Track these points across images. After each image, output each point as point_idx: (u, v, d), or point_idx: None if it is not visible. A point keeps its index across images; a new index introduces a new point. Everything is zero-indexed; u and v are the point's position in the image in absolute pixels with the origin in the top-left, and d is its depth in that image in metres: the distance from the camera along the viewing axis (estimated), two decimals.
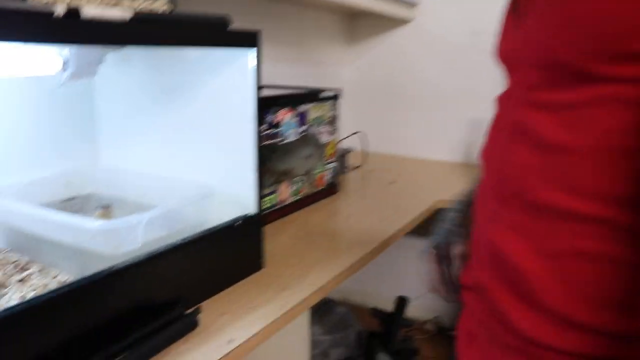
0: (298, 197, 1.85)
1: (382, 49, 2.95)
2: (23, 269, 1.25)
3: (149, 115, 1.43)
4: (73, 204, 1.46)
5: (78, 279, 0.94)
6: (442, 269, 1.05)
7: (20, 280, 1.19)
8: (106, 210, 1.18)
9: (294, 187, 1.83)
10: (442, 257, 1.05)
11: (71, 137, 1.50)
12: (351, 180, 2.25)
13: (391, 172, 2.42)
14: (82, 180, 1.50)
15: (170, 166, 1.41)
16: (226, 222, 1.15)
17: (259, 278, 1.33)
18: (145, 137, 1.46)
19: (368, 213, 1.88)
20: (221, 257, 1.16)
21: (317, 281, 1.23)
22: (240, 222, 1.17)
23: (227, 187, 1.24)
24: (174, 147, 1.42)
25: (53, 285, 1.17)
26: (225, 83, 1.30)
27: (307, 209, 1.90)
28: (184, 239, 1.05)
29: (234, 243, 1.18)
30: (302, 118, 1.85)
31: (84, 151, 1.54)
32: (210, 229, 1.11)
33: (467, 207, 1.10)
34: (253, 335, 1.04)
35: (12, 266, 1.25)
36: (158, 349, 0.97)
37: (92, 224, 1.06)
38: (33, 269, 1.25)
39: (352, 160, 2.41)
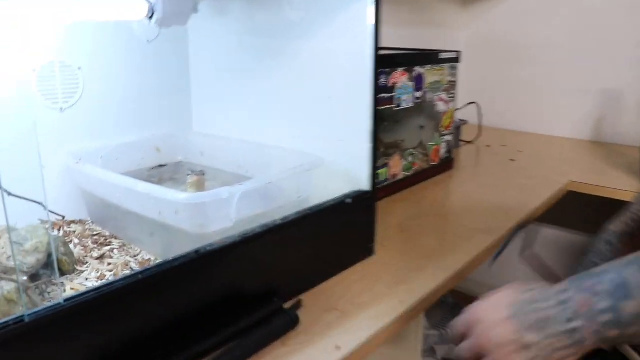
0: (410, 173, 1.62)
1: (503, 10, 2.62)
2: (103, 245, 1.10)
3: (247, 76, 1.25)
4: (162, 172, 1.31)
5: (158, 263, 0.77)
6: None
7: (99, 258, 1.04)
8: (199, 177, 1.01)
9: (407, 161, 1.60)
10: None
11: (163, 97, 1.34)
12: (465, 155, 2.00)
13: (509, 148, 2.14)
14: (173, 146, 1.35)
15: (270, 134, 1.22)
16: (334, 200, 0.95)
17: (368, 267, 1.12)
18: (242, 100, 1.28)
19: (489, 193, 1.62)
20: (326, 240, 0.97)
21: (438, 275, 1.04)
22: (350, 199, 0.95)
23: (334, 159, 1.06)
24: (274, 112, 1.23)
25: (133, 265, 1.01)
26: (337, 38, 1.08)
27: (419, 186, 1.66)
28: (285, 218, 0.86)
29: (341, 224, 0.99)
30: (418, 82, 1.61)
31: (175, 114, 1.39)
32: (315, 207, 0.92)
33: None
34: (365, 342, 0.84)
35: (91, 240, 1.12)
36: (253, 351, 0.78)
37: (176, 195, 0.88)
38: (113, 244, 1.10)
39: (464, 134, 2.14)
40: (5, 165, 0.64)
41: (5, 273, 0.88)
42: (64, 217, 1.20)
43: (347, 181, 1.13)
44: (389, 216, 1.41)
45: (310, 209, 0.99)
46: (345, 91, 1.10)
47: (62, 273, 0.98)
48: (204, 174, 1.01)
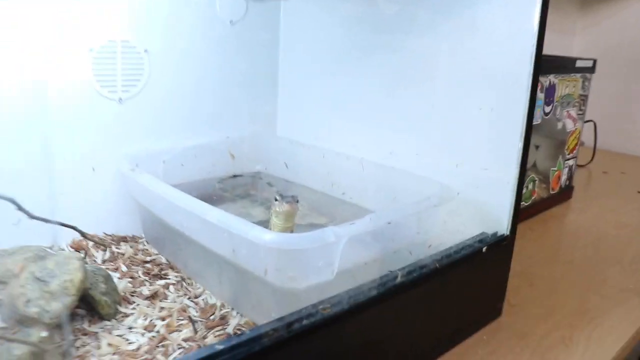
0: (528, 203, 1.31)
1: (627, 14, 2.25)
2: (156, 276, 0.86)
3: (351, 74, 1.01)
4: (236, 185, 1.06)
5: (226, 345, 0.51)
6: None
7: (150, 297, 0.80)
8: (291, 207, 0.73)
9: (526, 189, 1.30)
10: None
11: (243, 93, 1.10)
12: (580, 182, 1.67)
13: (631, 176, 1.83)
14: (251, 153, 1.10)
15: (376, 148, 0.96)
16: (465, 245, 0.71)
17: (497, 334, 0.86)
18: (341, 103, 1.03)
19: (624, 236, 1.31)
20: (449, 300, 0.80)
21: (594, 354, 0.81)
22: (485, 246, 0.67)
23: (462, 187, 0.86)
24: (384, 122, 0.97)
25: (193, 311, 0.77)
26: (482, 35, 0.81)
27: (536, 219, 1.36)
28: (408, 273, 0.59)
29: (470, 278, 0.82)
30: (549, 94, 1.31)
31: (257, 115, 1.14)
32: (443, 256, 0.65)
33: None
34: None
35: (142, 270, 0.87)
36: None
37: (261, 235, 0.62)
38: (169, 278, 0.86)
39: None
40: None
41: (22, 323, 0.64)
42: (108, 238, 0.97)
43: (475, 218, 0.85)
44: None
45: (438, 258, 0.71)
46: (486, 101, 0.82)
47: (100, 317, 0.73)
48: (297, 201, 0.75)
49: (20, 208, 0.74)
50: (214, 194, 1.03)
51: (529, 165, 1.37)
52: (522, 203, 1.27)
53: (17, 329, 0.63)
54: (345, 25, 1.03)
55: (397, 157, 0.95)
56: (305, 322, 0.56)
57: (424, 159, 0.92)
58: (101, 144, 0.95)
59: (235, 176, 1.09)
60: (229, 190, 1.05)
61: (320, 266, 0.65)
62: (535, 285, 1.03)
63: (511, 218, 0.83)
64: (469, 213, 0.87)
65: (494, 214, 0.84)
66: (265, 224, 0.89)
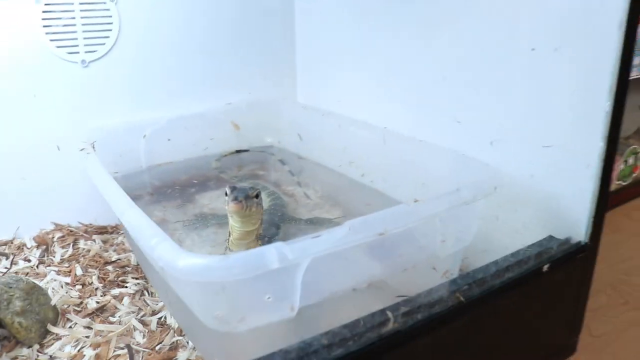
0: (627, 182, 1.02)
1: None
2: (113, 283, 0.68)
3: (376, 27, 0.75)
4: (242, 163, 0.87)
5: None
6: None
7: (94, 312, 0.63)
8: (238, 205, 0.51)
9: (625, 164, 1.00)
10: None
11: (249, 46, 0.89)
12: None
13: None
14: (259, 124, 0.90)
15: (406, 119, 0.72)
16: (523, 256, 0.44)
17: None
18: (365, 62, 0.78)
19: None
20: (495, 335, 0.55)
21: None
22: (553, 260, 0.43)
23: (517, 171, 0.62)
24: (416, 87, 0.72)
25: (138, 336, 0.58)
26: None
27: (634, 203, 1.05)
28: (411, 308, 0.43)
29: (530, 303, 0.57)
30: None
31: (267, 75, 0.92)
32: (487, 281, 0.42)
33: None
34: None
35: (100, 274, 0.70)
36: None
37: (169, 257, 0.41)
38: (128, 285, 0.68)
39: None
40: None
41: None
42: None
43: (537, 216, 0.60)
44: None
45: (479, 283, 0.48)
46: (556, 50, 0.56)
47: (19, 342, 0.57)
48: (257, 196, 0.53)
49: None
50: (210, 175, 0.84)
51: (630, 131, 1.07)
52: (618, 182, 0.98)
53: None
54: None
55: (430, 128, 0.71)
56: None
57: (464, 130, 0.68)
58: (65, 117, 0.79)
59: (239, 151, 0.89)
60: (231, 170, 0.86)
61: (267, 301, 0.43)
62: (631, 303, 0.76)
63: (592, 218, 0.57)
64: (528, 209, 0.62)
65: (566, 211, 0.59)
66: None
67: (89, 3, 0.77)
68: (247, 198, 0.52)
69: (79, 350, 0.58)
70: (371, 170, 0.76)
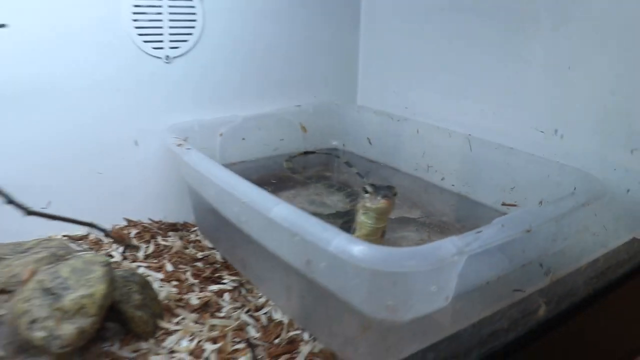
0: None
1: None
2: (209, 280, 0.68)
3: (449, 31, 0.78)
4: (308, 164, 0.88)
5: None
6: None
7: (199, 308, 0.62)
8: (388, 202, 0.52)
9: None
10: None
11: (316, 53, 0.90)
12: None
13: None
14: (326, 126, 0.91)
15: (487, 125, 0.74)
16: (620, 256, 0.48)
17: None
18: (442, 66, 0.82)
19: None
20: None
21: None
22: None
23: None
24: (494, 86, 0.74)
25: (252, 331, 0.58)
26: None
27: None
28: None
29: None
30: None
31: (332, 79, 0.93)
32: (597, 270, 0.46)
33: None
34: None
35: (192, 270, 0.70)
36: None
37: (346, 247, 0.42)
38: (225, 281, 0.68)
39: None
40: None
41: (24, 352, 0.47)
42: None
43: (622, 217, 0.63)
44: None
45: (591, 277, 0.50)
46: None
47: (136, 336, 0.56)
48: (395, 194, 0.54)
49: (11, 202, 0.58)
50: (282, 175, 0.84)
51: None
52: None
53: None
54: None
55: (515, 135, 0.73)
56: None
57: (564, 139, 0.70)
58: (145, 112, 0.78)
59: (306, 153, 0.89)
60: (298, 171, 0.86)
61: (432, 292, 0.44)
62: None
63: None
64: (612, 211, 0.65)
65: None
66: (344, 217, 0.70)
67: (176, 3, 0.76)
68: (393, 194, 0.54)
69: (197, 345, 0.57)
70: (452, 174, 0.78)
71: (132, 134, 0.78)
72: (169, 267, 0.70)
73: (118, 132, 0.77)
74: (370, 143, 0.89)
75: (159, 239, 0.78)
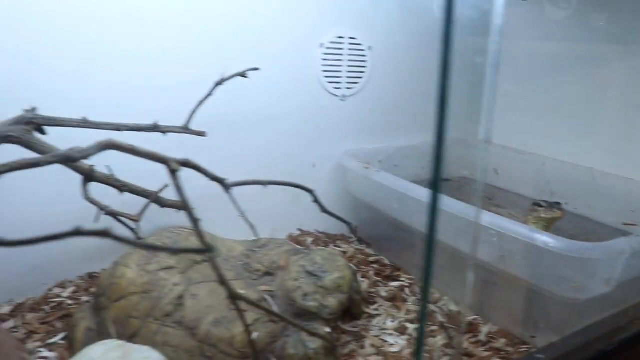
0: None
1: None
2: (388, 278, 0.84)
3: (573, 78, 0.93)
4: (448, 189, 1.02)
5: (547, 355, 0.47)
6: None
7: (391, 299, 0.78)
8: (562, 212, 0.71)
9: None
10: None
11: (452, 94, 1.05)
12: None
13: None
14: (457, 157, 1.06)
15: (602, 156, 0.89)
16: None
17: None
18: (565, 106, 0.96)
19: None
20: None
21: None
22: None
23: None
24: (619, 128, 0.89)
25: (439, 317, 0.73)
26: None
27: None
28: None
29: None
30: None
31: (459, 116, 1.09)
32: None
33: None
34: None
35: (373, 270, 0.85)
36: None
37: (547, 240, 0.58)
38: (402, 279, 0.83)
39: None
40: None
41: (300, 317, 0.63)
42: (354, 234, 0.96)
43: None
44: None
45: None
46: None
47: (351, 316, 0.72)
48: (561, 209, 0.71)
49: (315, 200, 0.75)
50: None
51: None
52: None
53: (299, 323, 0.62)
54: (568, 28, 0.97)
55: (633, 168, 0.88)
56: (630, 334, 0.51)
57: None
58: (322, 140, 0.95)
59: (442, 180, 1.05)
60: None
61: (605, 278, 0.60)
62: None
63: None
64: None
65: None
66: None
67: (354, 49, 0.94)
68: (561, 209, 0.70)
69: (399, 324, 0.73)
70: (574, 199, 0.93)
71: (312, 157, 0.95)
72: (353, 267, 0.86)
73: (301, 154, 0.94)
74: (497, 173, 1.05)
75: (331, 247, 0.94)
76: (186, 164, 0.53)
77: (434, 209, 0.37)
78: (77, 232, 0.49)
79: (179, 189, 0.49)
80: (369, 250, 0.94)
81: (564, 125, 0.99)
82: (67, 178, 0.60)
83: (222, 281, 0.52)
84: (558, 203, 0.71)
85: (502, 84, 1.09)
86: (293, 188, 0.92)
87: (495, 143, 1.10)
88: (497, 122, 1.10)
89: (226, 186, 0.60)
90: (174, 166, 0.51)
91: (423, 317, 0.45)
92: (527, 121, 1.06)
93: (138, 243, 0.46)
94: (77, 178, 0.61)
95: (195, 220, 0.50)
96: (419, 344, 0.53)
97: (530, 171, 0.99)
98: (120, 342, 0.55)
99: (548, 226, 0.72)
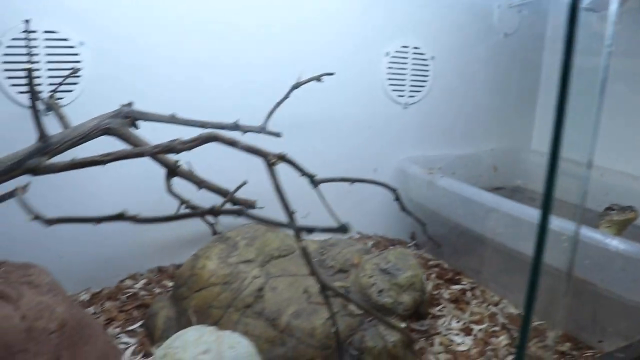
0: None
1: None
2: (450, 281, 0.85)
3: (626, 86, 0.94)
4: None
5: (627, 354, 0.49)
6: None
7: (454, 301, 0.79)
8: (636, 213, 0.72)
9: None
10: None
11: (506, 105, 1.07)
12: None
13: None
14: (510, 167, 1.08)
15: None
16: None
17: None
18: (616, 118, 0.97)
19: None
20: None
21: None
22: None
23: None
24: None
25: (500, 319, 0.75)
26: None
27: None
28: None
29: None
30: None
31: (514, 127, 1.11)
32: None
33: None
34: None
35: (435, 272, 0.87)
36: None
37: (614, 241, 0.60)
38: (464, 283, 0.85)
39: None
40: None
41: (378, 312, 0.65)
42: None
43: None
44: None
45: None
46: None
47: (419, 316, 0.74)
48: (635, 210, 0.72)
49: (397, 199, 0.78)
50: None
51: None
52: None
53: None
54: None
55: None
56: None
57: None
58: (383, 146, 0.97)
59: (497, 189, 1.07)
60: None
61: None
62: None
63: None
64: None
65: None
66: None
67: (417, 58, 0.96)
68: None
69: (463, 325, 0.74)
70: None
71: (373, 162, 0.97)
72: None
73: (363, 158, 0.96)
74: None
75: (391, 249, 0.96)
76: (282, 157, 0.56)
77: (542, 233, 0.38)
78: (213, 211, 0.52)
79: (275, 181, 0.52)
80: (427, 256, 0.95)
81: (626, 137, 1.00)
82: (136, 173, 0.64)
83: (313, 272, 0.55)
84: (631, 206, 0.73)
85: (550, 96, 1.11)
86: (353, 194, 0.94)
87: (540, 151, 1.12)
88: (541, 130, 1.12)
89: (315, 182, 0.62)
90: (272, 160, 0.54)
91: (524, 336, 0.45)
92: (569, 128, 1.07)
93: (282, 224, 0.49)
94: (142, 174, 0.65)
95: (291, 214, 0.53)
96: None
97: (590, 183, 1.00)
98: (211, 328, 0.57)
99: (621, 229, 0.73)
